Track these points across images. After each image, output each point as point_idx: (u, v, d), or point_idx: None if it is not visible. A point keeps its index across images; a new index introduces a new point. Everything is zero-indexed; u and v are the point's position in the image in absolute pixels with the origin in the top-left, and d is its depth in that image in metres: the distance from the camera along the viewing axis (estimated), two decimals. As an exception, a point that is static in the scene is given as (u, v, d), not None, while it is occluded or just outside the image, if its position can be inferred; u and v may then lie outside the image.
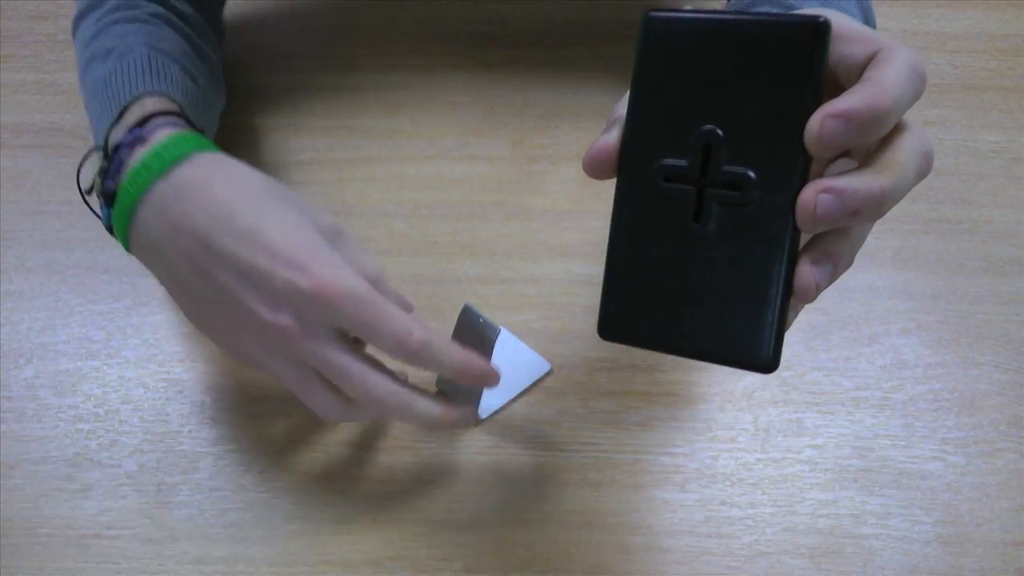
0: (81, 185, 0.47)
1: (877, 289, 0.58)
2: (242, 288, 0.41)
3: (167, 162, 0.42)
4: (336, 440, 0.52)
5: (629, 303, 0.34)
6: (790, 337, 0.56)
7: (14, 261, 0.60)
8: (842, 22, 0.32)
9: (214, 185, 0.41)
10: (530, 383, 0.47)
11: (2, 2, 0.75)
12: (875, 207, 0.30)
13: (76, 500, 0.50)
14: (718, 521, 0.50)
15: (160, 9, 0.56)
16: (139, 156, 0.43)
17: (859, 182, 0.30)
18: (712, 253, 0.32)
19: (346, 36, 0.72)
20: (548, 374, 0.42)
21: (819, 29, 0.29)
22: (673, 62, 0.32)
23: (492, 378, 0.44)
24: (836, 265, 0.32)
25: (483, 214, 0.62)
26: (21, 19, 0.73)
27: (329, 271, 0.40)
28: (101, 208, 0.46)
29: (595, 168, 0.34)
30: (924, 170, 0.32)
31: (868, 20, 0.53)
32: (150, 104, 0.46)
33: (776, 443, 0.52)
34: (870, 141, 0.31)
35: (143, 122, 0.45)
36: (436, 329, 0.43)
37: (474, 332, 0.46)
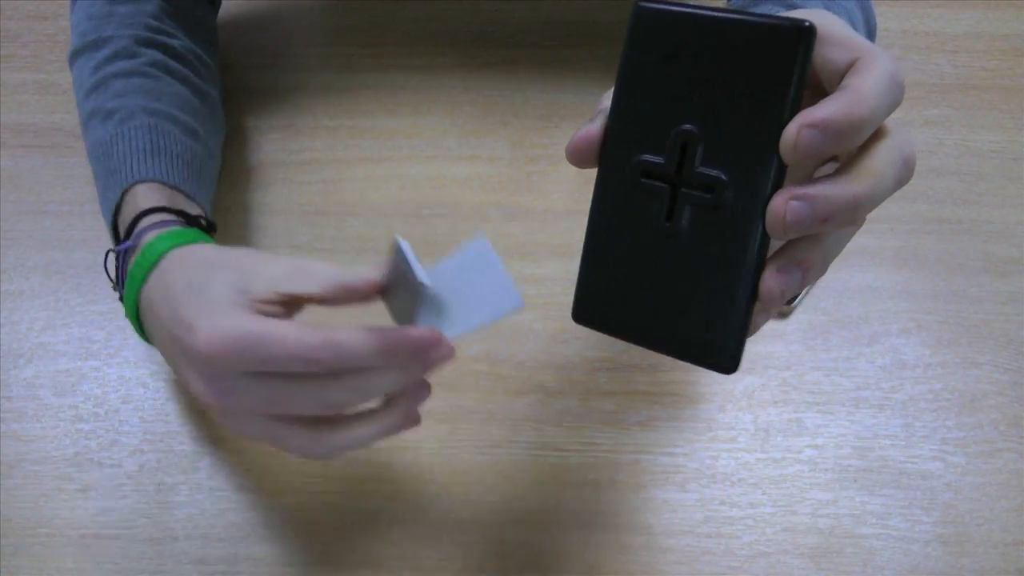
0: (111, 276, 0.50)
1: (877, 289, 0.58)
2: (175, 359, 0.43)
3: (145, 269, 0.44)
4: (336, 440, 0.52)
5: (603, 291, 0.34)
6: (790, 337, 0.56)
7: (14, 261, 0.60)
8: (829, 25, 0.31)
9: (170, 284, 0.43)
10: (496, 317, 0.39)
11: (2, 2, 0.75)
12: (848, 214, 0.30)
13: (76, 500, 0.50)
14: (718, 521, 0.50)
15: (158, 55, 0.56)
16: (131, 264, 0.46)
17: (831, 189, 0.29)
18: (683, 252, 0.32)
19: (345, 36, 0.72)
20: (517, 309, 0.39)
21: (803, 33, 0.29)
22: (658, 55, 0.32)
23: (431, 349, 0.38)
24: (805, 272, 0.31)
25: (483, 214, 0.62)
26: (21, 19, 0.73)
27: (209, 323, 0.39)
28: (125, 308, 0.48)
29: (577, 156, 0.34)
30: (904, 176, 0.31)
31: (868, 20, 0.53)
32: (142, 198, 0.49)
33: (776, 443, 0.52)
34: (847, 149, 0.31)
35: (134, 223, 0.47)
36: (345, 326, 0.39)
37: (403, 279, 0.40)
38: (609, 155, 0.34)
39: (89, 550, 0.48)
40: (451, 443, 0.52)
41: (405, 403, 0.41)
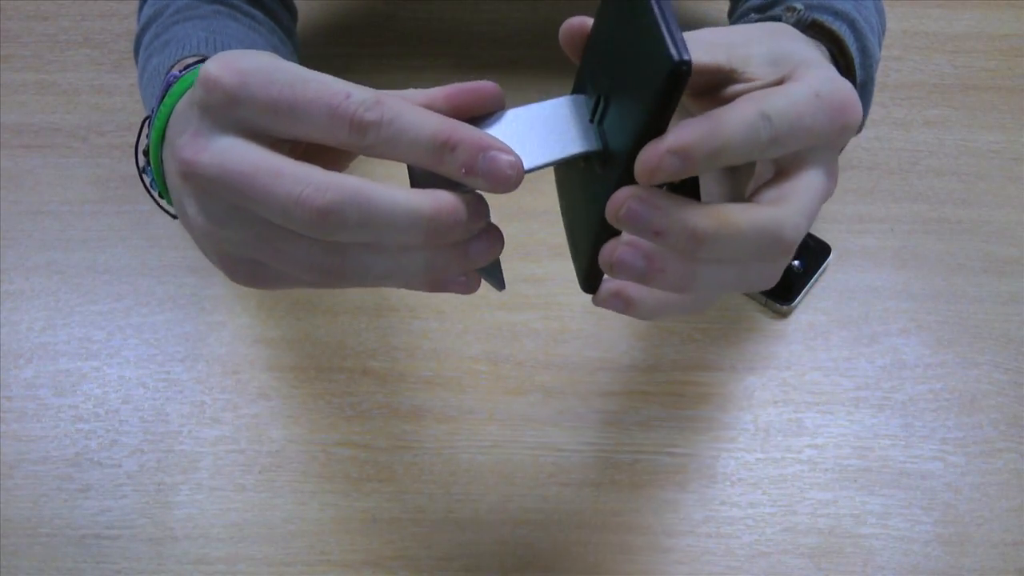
0: (138, 164, 0.42)
1: (877, 289, 0.58)
2: (173, 132, 0.33)
3: (188, 84, 0.35)
4: (336, 440, 0.52)
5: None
6: (790, 337, 0.56)
7: (14, 261, 0.60)
8: (776, 41, 0.33)
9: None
10: (565, 154, 0.32)
11: (2, 2, 0.75)
12: (685, 243, 0.29)
13: (76, 500, 0.50)
14: (718, 521, 0.50)
15: (222, 8, 0.53)
16: (170, 90, 0.37)
17: (680, 210, 0.29)
18: (583, 196, 0.33)
19: (346, 36, 0.72)
20: (587, 152, 0.32)
21: (675, 71, 0.27)
22: (612, 16, 0.32)
23: (496, 148, 0.29)
24: (650, 273, 0.30)
25: (483, 214, 0.62)
26: (21, 19, 0.73)
27: (232, 54, 0.30)
28: (151, 183, 0.40)
29: (566, 40, 0.33)
30: (774, 238, 0.30)
31: (881, 20, 0.52)
32: (191, 59, 0.43)
33: (776, 443, 0.52)
34: (708, 172, 0.30)
35: (185, 68, 0.39)
36: (410, 91, 0.32)
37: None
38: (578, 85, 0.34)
39: (89, 550, 0.48)
40: (451, 443, 0.52)
41: (466, 238, 0.31)
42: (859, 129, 0.40)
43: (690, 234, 0.29)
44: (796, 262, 0.57)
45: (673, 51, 0.27)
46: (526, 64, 0.70)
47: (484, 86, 0.31)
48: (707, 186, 0.34)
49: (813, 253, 0.58)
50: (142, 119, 0.42)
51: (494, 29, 0.72)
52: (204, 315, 0.57)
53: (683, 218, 0.29)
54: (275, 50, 0.53)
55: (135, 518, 0.49)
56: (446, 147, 0.29)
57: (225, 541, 0.49)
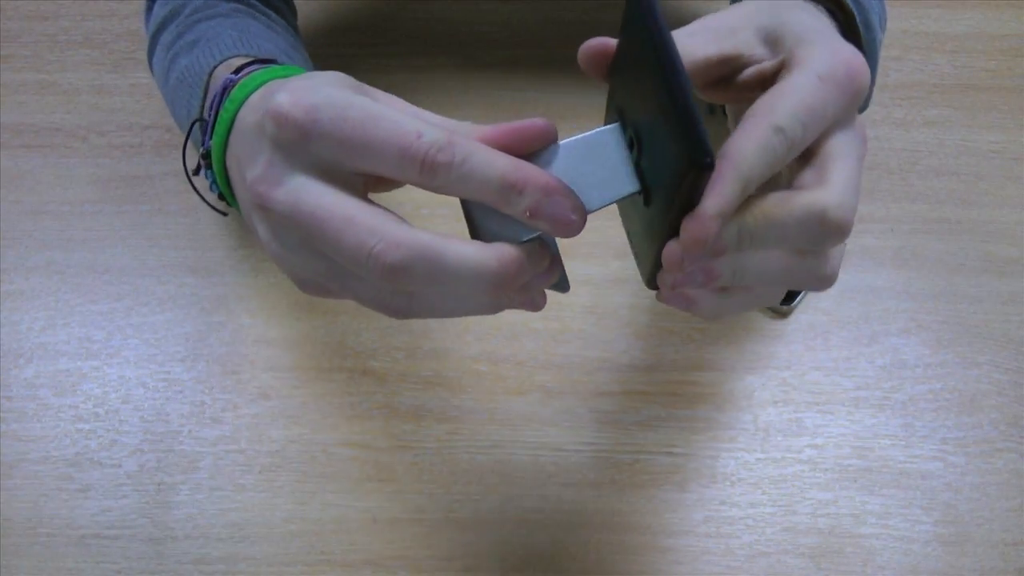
0: (188, 168, 0.43)
1: (877, 289, 0.58)
2: (243, 158, 0.33)
3: (250, 90, 0.36)
4: (336, 440, 0.52)
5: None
6: (790, 337, 0.56)
7: (14, 261, 0.60)
8: (772, 16, 0.33)
9: (273, 88, 0.34)
10: (624, 194, 0.32)
11: (2, 2, 0.75)
12: (732, 247, 0.31)
13: (76, 500, 0.50)
14: (718, 521, 0.50)
15: (240, 5, 0.53)
16: (229, 95, 0.37)
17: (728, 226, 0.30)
18: (636, 220, 0.34)
19: (346, 36, 0.72)
20: (633, 194, 0.33)
21: (698, 169, 0.28)
22: (634, 46, 0.31)
23: (561, 194, 0.30)
24: (711, 279, 0.31)
25: (483, 214, 0.62)
26: (21, 19, 0.73)
27: (304, 84, 0.30)
28: (211, 185, 0.41)
29: (587, 62, 0.34)
30: (819, 220, 0.31)
31: (882, 16, 0.52)
32: (237, 62, 0.42)
33: (776, 443, 0.52)
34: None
35: (237, 71, 0.40)
36: (465, 126, 0.32)
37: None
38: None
39: (89, 550, 0.48)
40: (451, 443, 0.52)
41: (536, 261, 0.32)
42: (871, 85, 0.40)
43: (738, 235, 0.30)
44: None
45: (695, 153, 0.28)
46: (526, 64, 0.70)
47: (536, 125, 0.32)
48: None
49: (813, 253, 0.58)
50: (191, 121, 0.42)
51: (494, 29, 0.72)
52: (204, 315, 0.57)
53: (730, 224, 0.30)
54: (293, 48, 0.53)
55: (135, 518, 0.49)
56: (513, 190, 0.30)
57: (225, 541, 0.49)
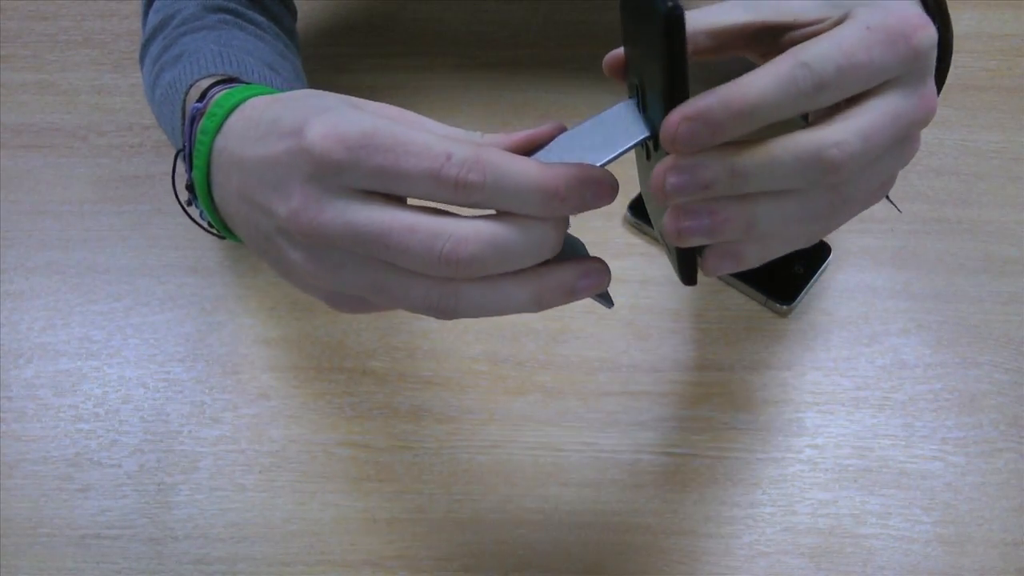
0: (180, 199, 0.44)
1: (877, 289, 0.58)
2: (261, 191, 0.33)
3: (220, 118, 0.37)
4: (336, 440, 0.52)
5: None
6: (790, 337, 0.56)
7: (14, 261, 0.60)
8: None
9: (254, 116, 0.35)
10: (641, 138, 0.33)
11: (2, 2, 0.75)
12: (730, 183, 0.29)
13: (76, 500, 0.50)
14: (718, 521, 0.50)
15: (228, 16, 0.53)
16: (199, 127, 0.38)
17: (716, 155, 0.29)
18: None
19: (346, 36, 0.72)
20: (645, 140, 0.33)
21: (669, 17, 0.27)
22: (629, 15, 0.32)
23: (603, 186, 0.31)
24: (718, 222, 0.30)
25: (483, 214, 0.62)
26: (21, 19, 0.73)
27: (327, 118, 0.31)
28: (200, 215, 0.42)
29: (610, 71, 0.35)
30: (814, 158, 0.29)
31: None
32: (206, 82, 0.43)
33: (776, 443, 0.52)
34: (737, 136, 0.30)
35: (202, 97, 0.40)
36: (494, 139, 0.33)
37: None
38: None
39: (89, 550, 0.48)
40: (451, 443, 0.52)
41: (574, 269, 0.33)
42: (947, 50, 0.38)
43: (730, 171, 0.29)
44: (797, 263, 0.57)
45: (660, 4, 0.27)
46: (526, 64, 0.70)
47: (549, 131, 0.33)
48: None
49: (813, 253, 0.58)
50: (175, 152, 0.42)
51: (494, 29, 0.72)
52: (204, 315, 0.57)
53: (720, 160, 0.29)
54: (280, 56, 0.54)
55: (135, 518, 0.49)
56: (555, 198, 0.30)
57: (225, 541, 0.49)
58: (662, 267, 0.59)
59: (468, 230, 0.30)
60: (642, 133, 0.32)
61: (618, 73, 0.35)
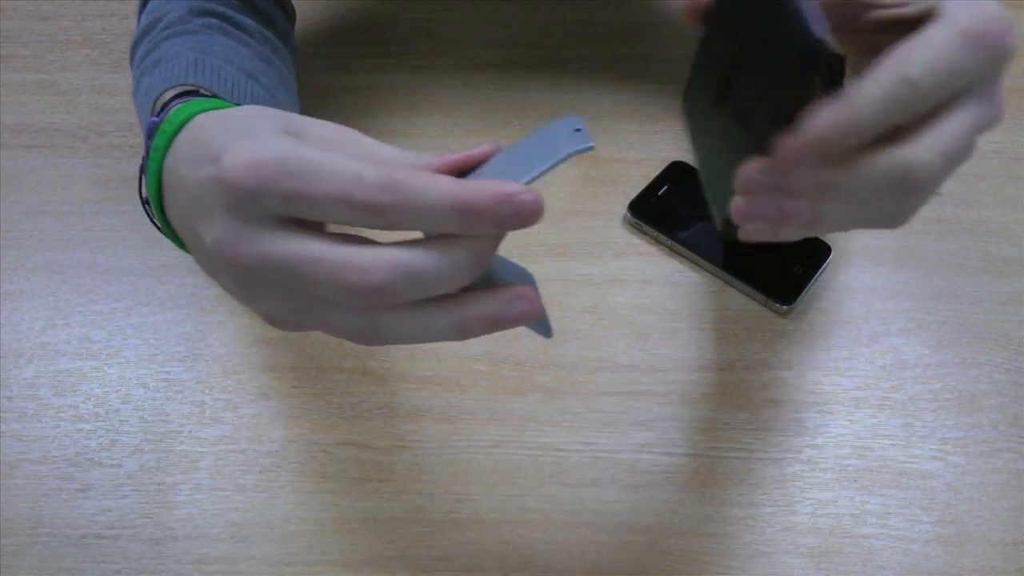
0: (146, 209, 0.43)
1: (877, 289, 0.58)
2: (194, 216, 0.33)
3: (169, 136, 0.37)
4: (336, 440, 0.52)
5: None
6: (790, 337, 0.56)
7: (14, 261, 0.60)
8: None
9: (200, 135, 0.35)
10: (563, 156, 0.32)
11: (2, 2, 0.75)
12: (813, 193, 0.31)
13: (76, 500, 0.50)
14: (718, 521, 0.50)
15: (214, 20, 0.53)
16: (152, 143, 0.38)
17: (803, 172, 0.31)
18: (720, 157, 0.36)
19: (346, 36, 0.72)
20: (588, 150, 0.33)
21: (832, 65, 0.30)
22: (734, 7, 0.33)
23: (520, 202, 0.30)
24: (785, 215, 0.32)
25: (483, 214, 0.62)
26: (21, 19, 0.73)
27: (243, 145, 0.30)
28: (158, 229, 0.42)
29: (685, 9, 0.36)
30: (901, 179, 0.31)
31: None
32: (170, 93, 0.43)
33: (776, 443, 0.52)
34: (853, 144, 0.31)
35: (162, 109, 0.40)
36: (429, 161, 0.32)
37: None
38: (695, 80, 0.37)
39: (89, 550, 0.48)
40: (451, 443, 0.52)
41: (501, 295, 0.32)
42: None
43: (817, 184, 0.31)
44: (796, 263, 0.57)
45: (816, 45, 0.28)
46: (526, 64, 0.70)
47: (485, 151, 0.33)
48: None
49: (813, 253, 0.58)
50: (140, 165, 0.42)
51: (494, 29, 0.72)
52: (204, 315, 0.57)
53: (811, 173, 0.31)
54: (265, 61, 0.54)
55: (135, 518, 0.49)
56: (470, 214, 0.29)
57: (225, 541, 0.49)
58: (662, 267, 0.59)
59: (372, 259, 0.29)
60: (565, 151, 0.32)
61: (696, 18, 0.36)
